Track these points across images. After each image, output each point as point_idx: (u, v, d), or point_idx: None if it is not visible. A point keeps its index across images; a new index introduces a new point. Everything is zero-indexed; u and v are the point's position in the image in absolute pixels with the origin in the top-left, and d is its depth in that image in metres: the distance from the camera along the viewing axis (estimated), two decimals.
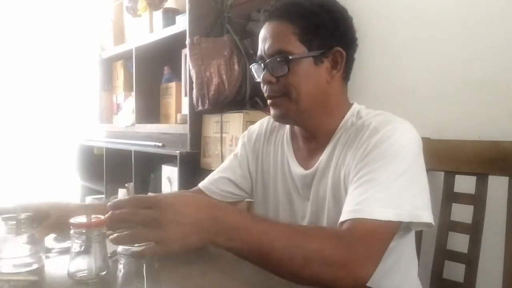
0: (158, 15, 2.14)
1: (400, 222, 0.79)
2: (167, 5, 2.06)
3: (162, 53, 2.27)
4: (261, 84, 0.97)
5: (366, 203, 0.77)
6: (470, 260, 1.08)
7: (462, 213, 1.14)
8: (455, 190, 1.16)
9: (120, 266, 0.66)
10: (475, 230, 1.09)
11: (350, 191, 0.82)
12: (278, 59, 0.91)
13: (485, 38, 1.30)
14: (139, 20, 2.29)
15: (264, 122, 1.14)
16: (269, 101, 0.97)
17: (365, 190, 0.79)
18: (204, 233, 0.65)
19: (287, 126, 1.08)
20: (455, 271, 1.13)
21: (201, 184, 1.14)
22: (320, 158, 0.95)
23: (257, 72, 0.99)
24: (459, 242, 1.14)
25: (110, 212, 0.65)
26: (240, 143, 1.15)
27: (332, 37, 0.92)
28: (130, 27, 2.48)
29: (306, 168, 0.98)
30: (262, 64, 0.95)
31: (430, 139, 1.23)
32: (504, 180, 1.05)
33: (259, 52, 0.96)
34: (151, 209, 0.64)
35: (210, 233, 0.66)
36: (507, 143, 1.05)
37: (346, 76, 0.97)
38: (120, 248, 0.65)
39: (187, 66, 1.80)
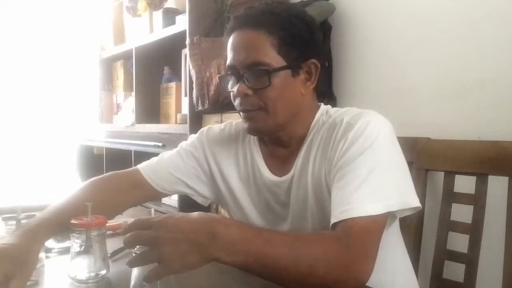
0: (158, 15, 2.14)
1: (389, 212, 0.79)
2: (167, 5, 2.06)
3: (162, 53, 2.27)
4: (232, 95, 0.93)
5: (355, 201, 0.77)
6: (470, 260, 1.08)
7: (462, 213, 1.14)
8: (455, 190, 1.16)
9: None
10: (475, 230, 1.09)
11: (335, 190, 0.82)
12: (257, 71, 0.86)
13: (485, 38, 1.29)
14: (139, 20, 2.29)
15: (226, 126, 1.08)
16: (242, 114, 0.92)
17: (352, 188, 0.78)
18: (203, 250, 0.64)
19: None
20: (455, 271, 1.13)
21: (142, 169, 1.05)
22: (295, 163, 0.93)
23: (226, 83, 0.94)
24: (459, 242, 1.14)
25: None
26: (196, 141, 1.07)
27: (308, 48, 0.90)
28: (130, 27, 2.48)
29: (280, 174, 0.95)
30: (234, 76, 0.91)
31: (430, 139, 1.23)
32: (504, 180, 1.05)
33: (229, 62, 0.91)
34: (151, 229, 0.64)
35: (210, 249, 0.64)
36: (507, 143, 1.05)
37: (316, 84, 0.95)
38: (135, 248, 0.65)
39: (187, 66, 1.80)
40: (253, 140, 1.02)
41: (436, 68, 1.42)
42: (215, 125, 1.10)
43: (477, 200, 1.10)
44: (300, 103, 0.92)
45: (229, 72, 0.92)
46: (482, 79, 1.30)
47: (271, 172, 0.97)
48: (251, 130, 0.93)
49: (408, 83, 1.50)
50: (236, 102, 0.92)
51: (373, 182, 0.79)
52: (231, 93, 0.93)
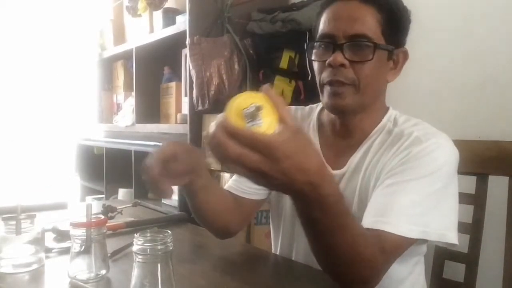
0: (158, 15, 2.14)
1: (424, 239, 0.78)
2: (167, 5, 2.06)
3: (162, 53, 2.27)
4: (318, 66, 0.88)
5: (395, 216, 0.75)
6: (470, 260, 1.08)
7: (462, 213, 1.13)
8: None
9: (134, 265, 0.65)
10: (475, 230, 1.09)
11: (379, 195, 0.79)
12: (361, 43, 0.83)
13: (485, 38, 1.29)
14: (139, 20, 2.29)
15: (298, 109, 1.05)
16: (328, 88, 0.86)
17: (395, 201, 0.76)
18: (295, 192, 0.60)
19: (314, 117, 1.00)
20: (455, 271, 1.12)
21: (227, 186, 1.05)
22: (352, 159, 0.90)
23: (319, 52, 0.88)
24: (459, 242, 1.14)
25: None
26: None
27: (403, 35, 0.89)
28: (130, 27, 2.48)
29: (333, 166, 0.90)
30: (330, 45, 0.85)
31: None
32: (504, 180, 1.05)
33: (326, 30, 0.86)
34: (258, 154, 0.54)
35: (302, 195, 0.60)
36: (507, 143, 1.05)
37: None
38: (135, 248, 0.65)
39: (187, 66, 1.80)
40: (312, 125, 0.99)
41: (436, 68, 1.42)
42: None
43: (478, 200, 1.10)
44: (382, 90, 0.91)
45: (326, 40, 0.86)
46: (482, 79, 1.30)
47: (325, 162, 0.95)
48: (335, 107, 0.88)
49: (408, 83, 1.50)
50: (324, 74, 0.86)
51: (419, 205, 0.77)
52: (317, 64, 0.89)
